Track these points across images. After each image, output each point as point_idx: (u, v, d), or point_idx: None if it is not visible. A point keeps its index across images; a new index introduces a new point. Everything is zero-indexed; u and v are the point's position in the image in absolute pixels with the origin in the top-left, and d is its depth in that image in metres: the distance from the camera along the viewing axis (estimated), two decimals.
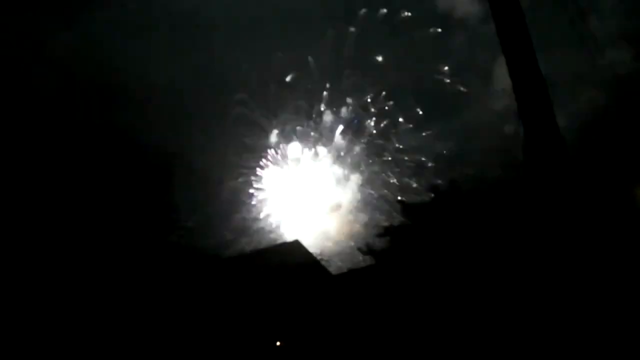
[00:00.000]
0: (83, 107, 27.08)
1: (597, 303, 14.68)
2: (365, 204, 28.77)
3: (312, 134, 30.20)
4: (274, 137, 30.74)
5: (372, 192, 29.22)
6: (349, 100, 30.62)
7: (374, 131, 30.10)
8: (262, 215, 29.86)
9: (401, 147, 29.57)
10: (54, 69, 26.27)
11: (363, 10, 29.73)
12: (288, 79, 29.97)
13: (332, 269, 26.86)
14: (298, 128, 30.73)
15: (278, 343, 17.19)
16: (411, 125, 30.18)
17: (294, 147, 30.05)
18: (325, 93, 30.43)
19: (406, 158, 29.47)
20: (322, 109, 30.44)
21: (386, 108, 30.45)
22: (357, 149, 29.74)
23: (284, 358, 17.02)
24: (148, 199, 25.92)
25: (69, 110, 26.70)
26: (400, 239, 21.45)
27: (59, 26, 27.03)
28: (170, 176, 27.07)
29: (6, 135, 24.56)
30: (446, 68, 29.61)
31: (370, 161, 30.09)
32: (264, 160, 30.44)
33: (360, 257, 27.21)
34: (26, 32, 25.94)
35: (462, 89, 29.27)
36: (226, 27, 29.61)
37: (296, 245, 22.88)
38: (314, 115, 30.35)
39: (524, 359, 14.75)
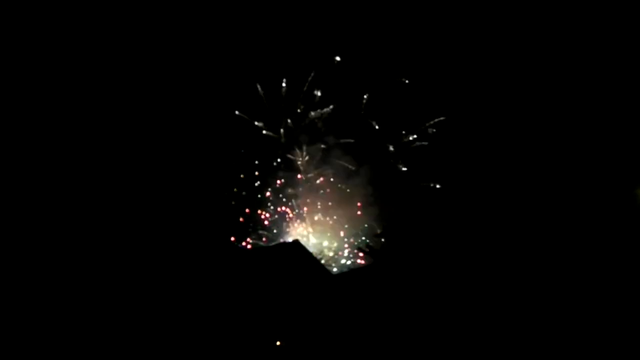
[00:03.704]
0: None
1: (597, 303, 14.72)
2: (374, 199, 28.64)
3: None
4: None
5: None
6: None
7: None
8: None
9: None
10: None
11: None
12: None
13: (332, 269, 26.90)
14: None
15: (278, 343, 17.18)
16: None
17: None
18: None
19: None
20: None
21: None
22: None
23: (284, 358, 17.02)
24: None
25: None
26: (400, 238, 21.43)
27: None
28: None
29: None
30: None
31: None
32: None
33: (360, 257, 27.23)
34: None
35: None
36: None
37: (296, 245, 22.88)
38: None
39: (523, 358, 14.78)
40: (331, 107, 28.91)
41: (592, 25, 24.66)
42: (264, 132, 29.20)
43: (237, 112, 28.95)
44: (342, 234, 28.49)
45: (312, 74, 28.51)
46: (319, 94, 28.68)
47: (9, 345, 16.36)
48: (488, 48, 26.60)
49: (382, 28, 27.85)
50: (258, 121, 29.12)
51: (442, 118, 27.89)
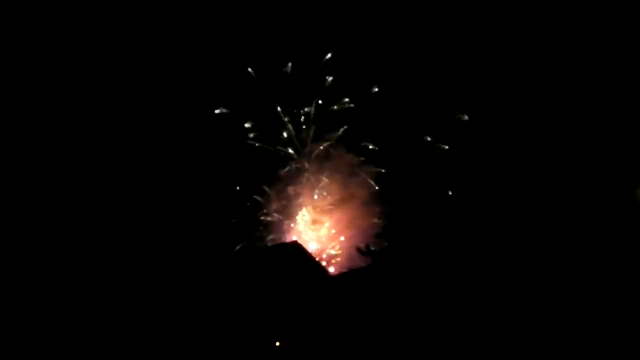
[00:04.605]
0: None
1: (597, 301, 14.72)
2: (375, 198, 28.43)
3: None
4: None
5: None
6: None
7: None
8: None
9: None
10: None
11: None
12: None
13: (331, 269, 26.85)
14: None
15: (278, 343, 17.17)
16: None
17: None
18: None
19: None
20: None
21: None
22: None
23: (284, 358, 17.01)
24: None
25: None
26: (399, 239, 21.39)
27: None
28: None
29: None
30: None
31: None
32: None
33: (360, 257, 27.13)
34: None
35: None
36: None
37: (295, 245, 22.88)
38: None
39: (522, 358, 14.78)
40: (346, 99, 28.57)
41: (592, 28, 24.75)
42: (251, 135, 28.91)
43: (217, 111, 28.61)
44: (342, 233, 28.44)
45: (329, 55, 28.20)
46: (330, 79, 28.41)
47: (9, 345, 16.35)
48: (492, 56, 26.73)
49: (393, 30, 27.86)
50: (256, 119, 28.92)
51: (465, 117, 27.55)
